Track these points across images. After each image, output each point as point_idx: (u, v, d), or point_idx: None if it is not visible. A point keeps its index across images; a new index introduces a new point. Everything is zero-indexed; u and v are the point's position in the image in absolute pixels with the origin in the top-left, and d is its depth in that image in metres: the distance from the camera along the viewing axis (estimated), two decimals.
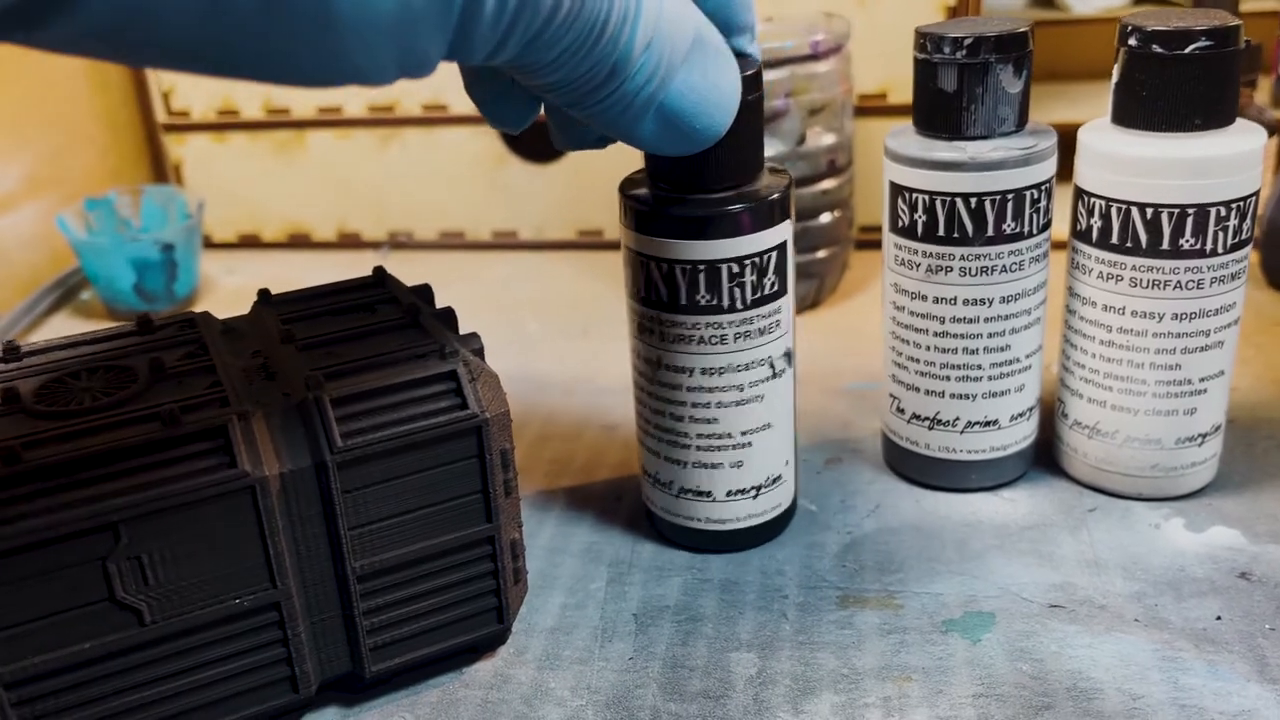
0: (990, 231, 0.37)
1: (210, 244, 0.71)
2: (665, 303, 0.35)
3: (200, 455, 0.28)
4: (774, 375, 0.37)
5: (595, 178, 0.67)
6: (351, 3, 0.19)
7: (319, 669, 0.32)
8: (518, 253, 0.69)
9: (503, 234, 0.69)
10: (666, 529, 0.40)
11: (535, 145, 0.68)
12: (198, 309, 0.62)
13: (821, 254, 0.57)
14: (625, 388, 0.51)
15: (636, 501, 0.42)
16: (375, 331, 0.34)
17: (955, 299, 0.38)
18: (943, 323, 0.39)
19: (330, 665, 0.32)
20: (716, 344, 0.36)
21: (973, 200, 0.37)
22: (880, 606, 0.36)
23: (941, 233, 0.38)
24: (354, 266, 0.68)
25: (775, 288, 0.36)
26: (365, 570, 0.31)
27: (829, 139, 0.55)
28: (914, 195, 0.38)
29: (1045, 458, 0.43)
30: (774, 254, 0.35)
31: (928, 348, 0.39)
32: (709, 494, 0.38)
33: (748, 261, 0.35)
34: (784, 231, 0.35)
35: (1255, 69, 0.61)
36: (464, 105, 0.67)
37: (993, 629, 0.34)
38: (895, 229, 0.39)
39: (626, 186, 0.37)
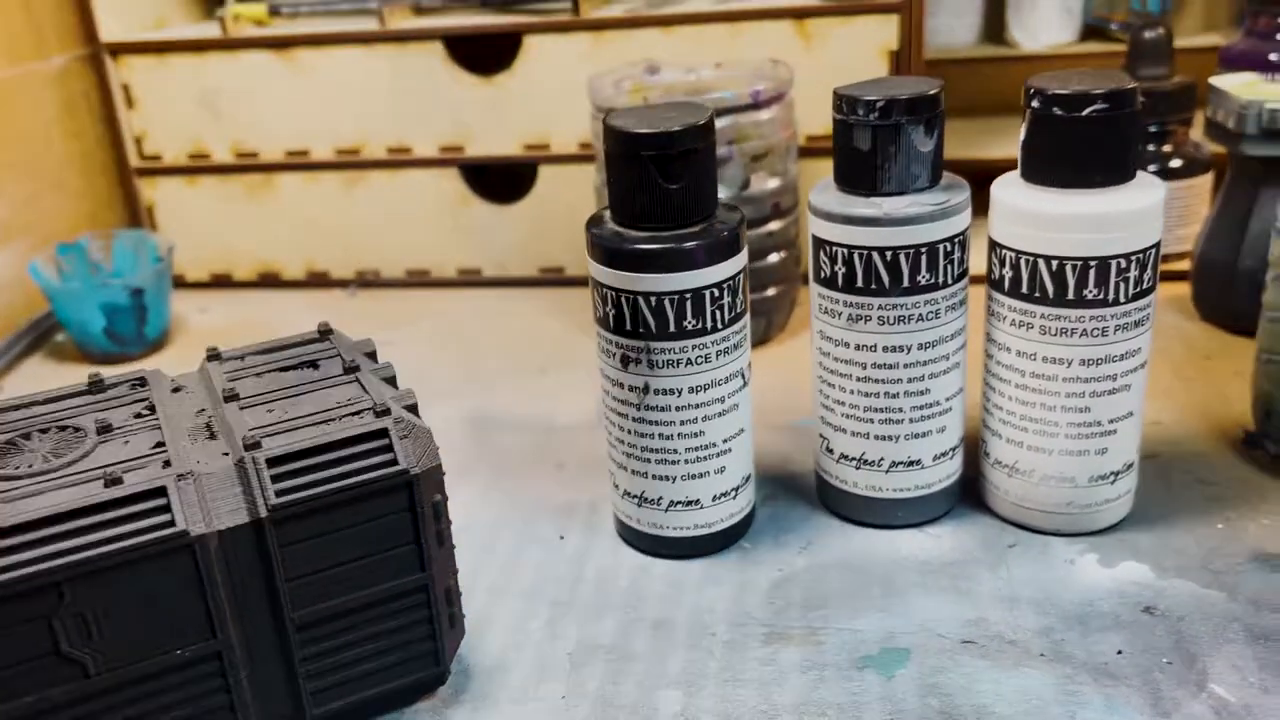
0: (906, 283, 0.39)
1: (182, 283, 0.73)
2: (654, 333, 0.38)
3: (141, 515, 0.30)
4: (744, 384, 0.41)
5: (556, 217, 0.68)
6: None
7: (262, 714, 0.33)
8: (481, 290, 0.71)
9: (467, 271, 0.71)
10: (652, 544, 0.42)
11: (497, 186, 0.70)
12: (169, 349, 0.65)
13: (770, 292, 0.59)
14: (577, 425, 0.53)
15: (580, 540, 0.44)
16: (316, 388, 0.35)
17: (875, 346, 0.40)
18: (865, 368, 0.41)
19: (272, 711, 0.34)
20: (702, 363, 0.39)
21: (888, 254, 0.39)
22: (803, 643, 0.37)
23: (860, 284, 0.39)
24: (322, 304, 0.70)
25: (743, 306, 0.40)
26: (304, 620, 0.33)
27: (773, 183, 0.57)
28: (834, 248, 0.40)
29: (974, 494, 0.44)
30: (741, 276, 0.39)
31: (852, 391, 0.41)
32: (697, 501, 0.41)
33: (726, 285, 0.38)
34: (744, 258, 0.40)
35: (1190, 107, 0.63)
36: (427, 148, 0.69)
37: (907, 665, 0.36)
38: (818, 279, 0.41)
39: (594, 224, 0.40)
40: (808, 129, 0.64)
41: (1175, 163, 0.63)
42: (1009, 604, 0.38)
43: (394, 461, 0.33)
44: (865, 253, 0.39)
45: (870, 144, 0.39)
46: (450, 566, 0.35)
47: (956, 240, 0.39)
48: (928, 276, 0.39)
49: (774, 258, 0.58)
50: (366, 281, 0.72)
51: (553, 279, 0.70)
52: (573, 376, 0.58)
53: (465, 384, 0.58)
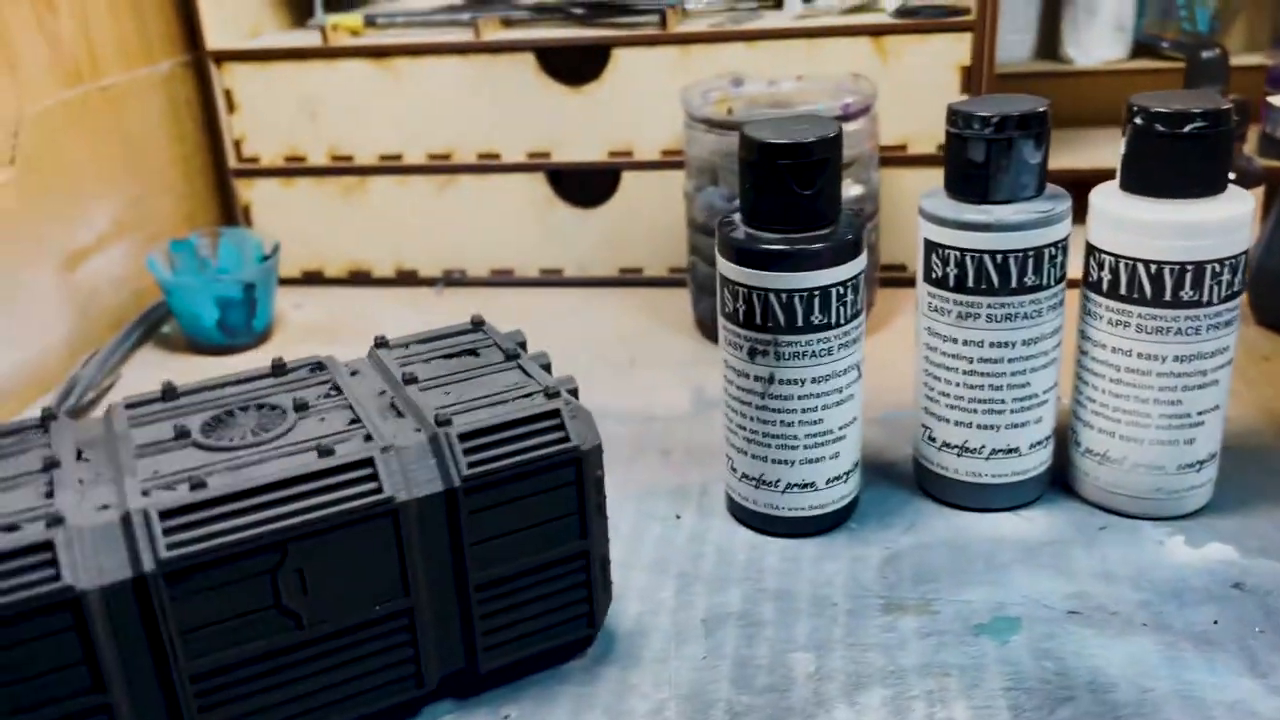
0: (1013, 284, 0.42)
1: (278, 281, 0.77)
2: (783, 327, 0.42)
3: (352, 483, 0.34)
4: (859, 376, 0.44)
5: (637, 221, 0.72)
6: None
7: (439, 667, 0.37)
8: (563, 289, 0.74)
9: (549, 271, 0.74)
10: (768, 523, 0.46)
11: (580, 190, 0.73)
12: (273, 341, 0.68)
13: None
14: (676, 416, 0.57)
15: (695, 520, 0.47)
16: (483, 373, 0.39)
17: (982, 342, 0.44)
18: (971, 362, 0.44)
19: (449, 663, 0.37)
20: (825, 356, 0.42)
21: (998, 257, 0.42)
22: (919, 613, 0.41)
23: (971, 284, 0.43)
24: (411, 301, 0.74)
25: (863, 303, 0.43)
26: (482, 581, 0.36)
27: (857, 189, 0.60)
28: (946, 251, 0.43)
29: (1059, 482, 0.48)
30: (862, 276, 0.43)
31: (957, 384, 0.45)
32: (812, 484, 0.44)
33: (849, 284, 0.42)
34: (865, 259, 0.43)
35: (1244, 123, 0.67)
36: (515, 154, 0.72)
37: (1019, 632, 0.39)
38: (929, 280, 0.44)
39: (726, 226, 0.43)
40: (883, 139, 0.67)
41: (1251, 193, 0.66)
42: (1106, 580, 0.42)
43: (566, 439, 0.36)
44: (977, 256, 0.42)
45: (984, 156, 0.42)
46: (604, 536, 0.39)
47: (1059, 245, 0.43)
48: (1033, 278, 0.42)
49: None
50: (453, 280, 0.75)
51: (632, 279, 0.74)
52: (663, 371, 0.62)
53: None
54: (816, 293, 0.41)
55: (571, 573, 0.38)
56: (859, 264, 0.42)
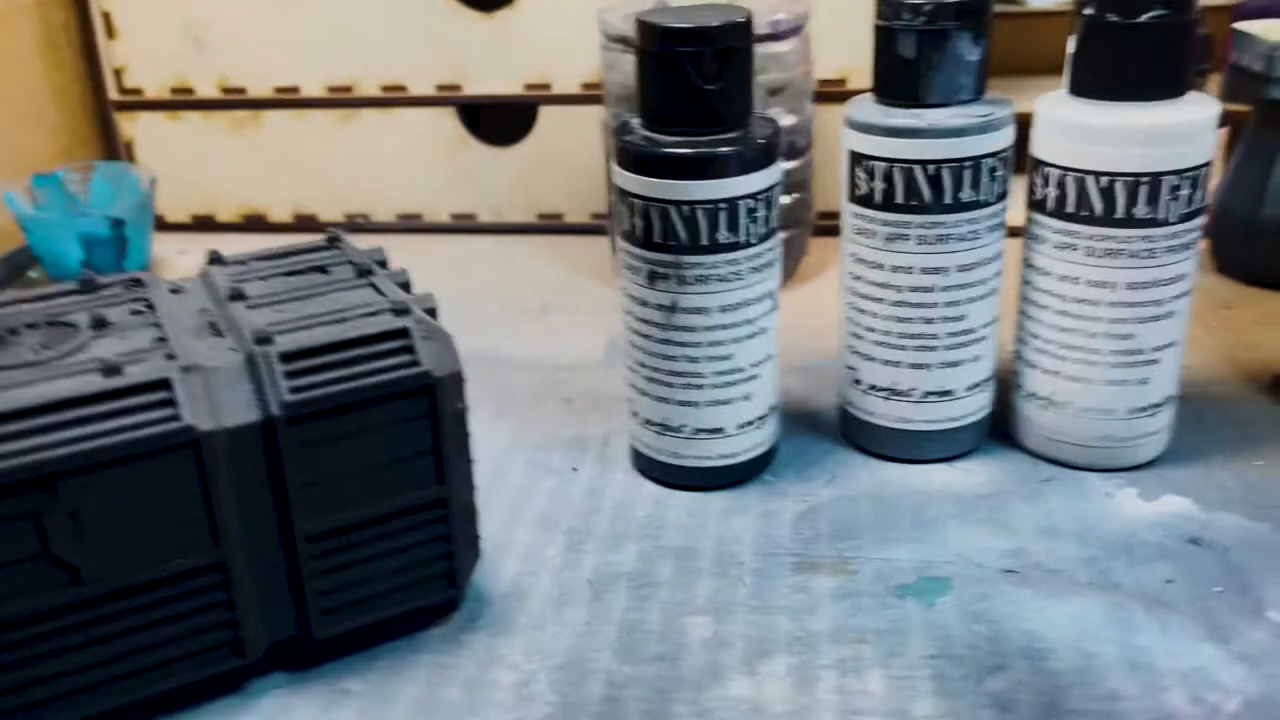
0: (948, 199, 0.37)
1: (163, 225, 0.70)
2: (685, 245, 0.36)
3: (142, 408, 0.28)
4: (774, 307, 0.39)
5: (556, 161, 0.66)
6: None
7: (265, 633, 0.31)
8: (476, 236, 0.68)
9: (461, 217, 0.69)
10: (672, 474, 0.40)
11: (495, 127, 0.68)
12: None
13: (781, 235, 0.57)
14: (584, 364, 0.51)
15: (594, 472, 0.42)
16: (328, 290, 0.33)
17: (912, 268, 0.38)
18: (900, 291, 0.39)
19: (277, 629, 0.31)
20: (734, 280, 0.37)
21: (930, 167, 0.37)
22: (835, 572, 0.36)
23: (899, 200, 0.38)
24: None
25: (776, 222, 0.38)
26: (314, 531, 0.30)
27: (789, 120, 0.55)
28: (872, 163, 0.38)
29: (1001, 431, 0.43)
30: (776, 190, 0.37)
31: (885, 317, 0.40)
32: (721, 430, 0.39)
33: (761, 197, 0.36)
34: (779, 171, 0.38)
35: (1207, 60, 0.62)
36: (423, 86, 0.66)
37: (948, 594, 0.34)
38: (853, 198, 0.39)
39: (623, 132, 0.38)
40: (822, 73, 0.62)
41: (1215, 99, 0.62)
42: (1049, 535, 0.37)
43: (416, 363, 0.30)
44: (906, 166, 0.37)
45: (915, 51, 0.37)
46: (468, 482, 0.33)
47: (1000, 156, 0.38)
48: (971, 193, 0.37)
49: (786, 199, 0.56)
50: (356, 225, 0.69)
51: (552, 226, 0.68)
52: (576, 318, 0.56)
53: (465, 324, 0.56)
54: (723, 205, 0.36)
55: (427, 524, 0.32)
56: (772, 175, 0.37)
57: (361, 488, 0.31)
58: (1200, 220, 0.38)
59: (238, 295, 0.32)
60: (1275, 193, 0.54)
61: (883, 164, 0.38)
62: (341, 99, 0.67)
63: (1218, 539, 0.36)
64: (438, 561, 0.33)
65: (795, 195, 0.57)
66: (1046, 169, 0.38)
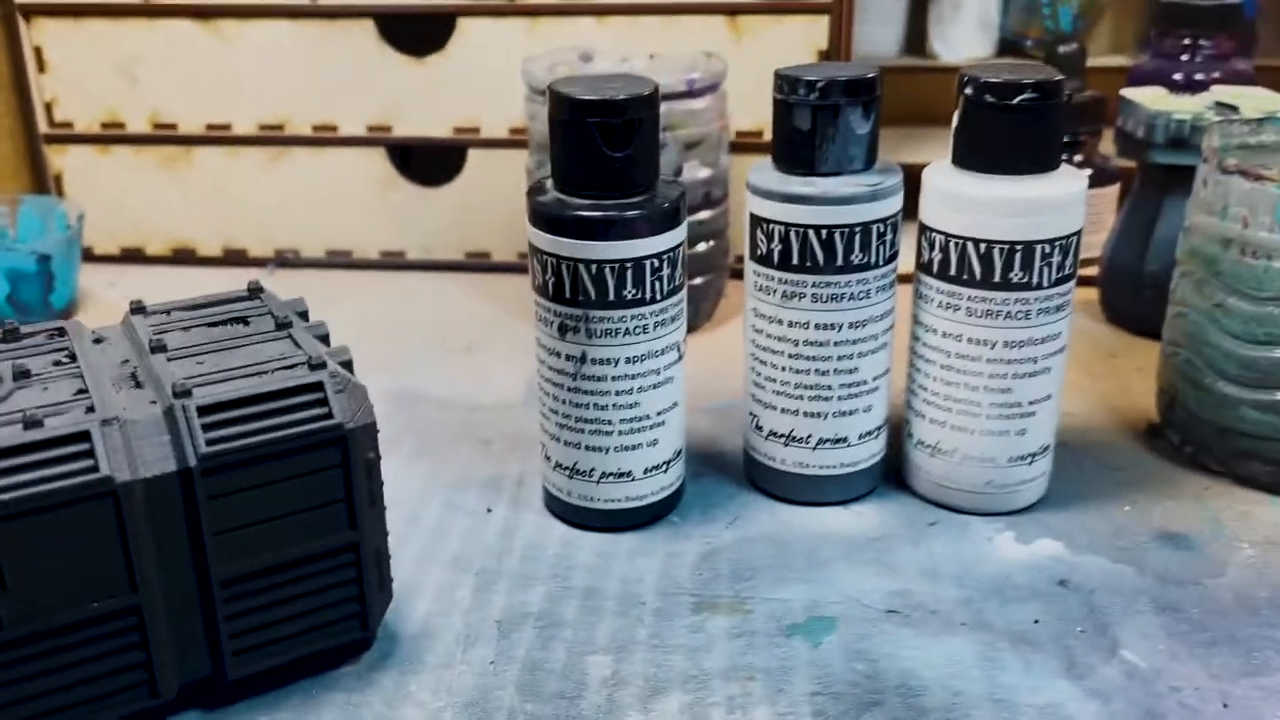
0: (839, 261, 0.40)
1: (92, 257, 0.71)
2: (593, 301, 0.38)
3: (63, 460, 0.29)
4: (680, 358, 0.41)
5: (484, 202, 0.68)
6: None
7: (179, 674, 0.32)
8: (405, 273, 0.70)
9: (390, 254, 0.70)
10: (582, 516, 0.42)
11: (426, 168, 0.69)
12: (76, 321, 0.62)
13: (698, 280, 0.59)
14: (504, 404, 0.53)
15: (508, 513, 0.44)
16: (247, 343, 0.35)
17: (808, 323, 0.41)
18: (796, 345, 0.41)
19: (191, 670, 0.33)
20: (640, 334, 0.39)
21: (823, 232, 0.39)
22: (731, 612, 0.38)
23: (795, 261, 0.40)
24: (239, 282, 0.68)
25: (682, 279, 0.40)
26: (229, 576, 0.32)
27: (705, 172, 0.58)
28: (770, 226, 0.40)
29: (895, 475, 0.45)
30: (681, 249, 0.40)
31: (783, 368, 0.42)
32: (629, 474, 0.41)
33: (666, 256, 0.39)
34: (684, 231, 0.40)
35: (1100, 120, 0.66)
36: (354, 126, 0.68)
37: (833, 632, 0.37)
38: (754, 257, 0.42)
39: (536, 192, 0.40)
40: (738, 125, 0.64)
41: (1085, 172, 0.65)
42: (930, 577, 0.39)
43: (329, 415, 0.32)
44: (801, 230, 0.40)
45: (809, 124, 0.39)
46: (381, 527, 0.35)
47: (889, 222, 0.40)
48: (860, 256, 0.40)
49: (703, 246, 0.59)
50: (285, 261, 0.70)
51: (480, 264, 0.70)
52: (499, 357, 0.58)
53: (389, 363, 0.58)
54: (629, 264, 0.38)
55: (339, 568, 0.34)
56: (678, 235, 0.39)
57: (275, 534, 0.32)
58: (1072, 284, 0.41)
59: (159, 347, 0.34)
60: (1158, 248, 0.57)
61: (780, 227, 0.40)
62: (273, 137, 0.68)
63: (1084, 581, 0.39)
64: (349, 604, 0.34)
65: (712, 242, 0.60)
66: (932, 234, 0.41)
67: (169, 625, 0.31)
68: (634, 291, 0.39)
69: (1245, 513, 0.43)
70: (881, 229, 0.40)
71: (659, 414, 0.41)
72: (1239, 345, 0.43)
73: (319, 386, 0.32)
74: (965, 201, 0.39)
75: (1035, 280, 0.39)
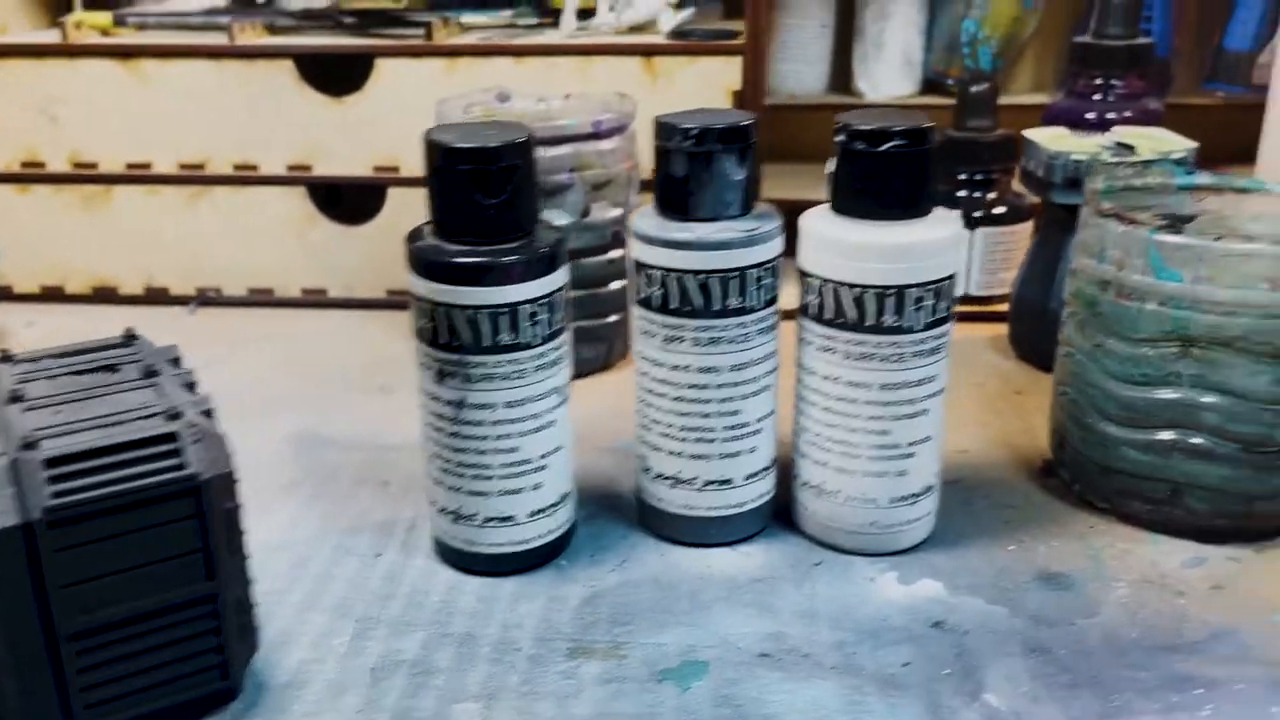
0: (717, 306, 0.40)
1: (11, 295, 0.70)
2: (469, 347, 0.38)
3: None
4: (563, 401, 0.41)
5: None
6: None
7: None
8: (327, 311, 0.70)
9: (312, 292, 0.70)
10: (466, 561, 0.42)
11: (346, 207, 0.70)
12: None
13: (611, 319, 0.60)
14: (409, 445, 0.53)
15: (396, 557, 0.44)
16: (110, 392, 0.35)
17: (689, 366, 0.41)
18: (679, 388, 0.42)
19: None
20: (517, 379, 0.39)
21: (700, 277, 0.40)
22: (606, 657, 0.38)
23: (675, 305, 0.40)
24: (160, 321, 0.68)
25: (562, 323, 0.40)
26: (76, 629, 0.32)
27: (614, 212, 0.58)
28: (651, 271, 0.41)
29: (785, 517, 0.46)
30: (561, 294, 0.40)
31: (667, 411, 0.42)
32: (512, 518, 0.41)
33: (542, 301, 0.39)
34: (563, 276, 0.40)
35: (1013, 157, 0.67)
36: (274, 165, 0.68)
37: (704, 677, 0.37)
38: (638, 301, 0.42)
39: (415, 238, 0.40)
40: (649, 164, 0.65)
41: (999, 210, 0.67)
42: (808, 619, 0.39)
43: (181, 466, 0.32)
44: (679, 275, 0.40)
45: (685, 170, 0.40)
46: (242, 576, 0.35)
47: (766, 266, 0.41)
48: (738, 300, 0.40)
49: (614, 285, 0.59)
50: (207, 299, 0.70)
51: (401, 302, 0.69)
52: (411, 397, 0.57)
53: (299, 403, 0.57)
54: (504, 310, 0.38)
55: (197, 619, 0.33)
56: (555, 280, 0.40)
57: (128, 586, 0.32)
58: (948, 326, 0.41)
59: (16, 397, 0.33)
60: (1061, 286, 0.58)
61: (659, 272, 0.40)
62: (193, 176, 0.68)
63: (959, 622, 0.39)
64: (209, 654, 0.34)
65: (623, 280, 0.60)
66: (810, 278, 0.41)
67: (15, 678, 0.31)
68: (510, 336, 0.39)
69: (1126, 551, 0.43)
70: (759, 273, 0.40)
71: (542, 458, 0.41)
72: (1118, 386, 0.43)
73: (173, 437, 0.32)
74: (838, 246, 0.40)
75: (908, 324, 0.40)
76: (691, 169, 0.40)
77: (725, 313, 0.40)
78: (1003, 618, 0.39)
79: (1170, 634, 0.38)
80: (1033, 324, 0.60)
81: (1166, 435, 0.43)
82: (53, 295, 0.71)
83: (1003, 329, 0.64)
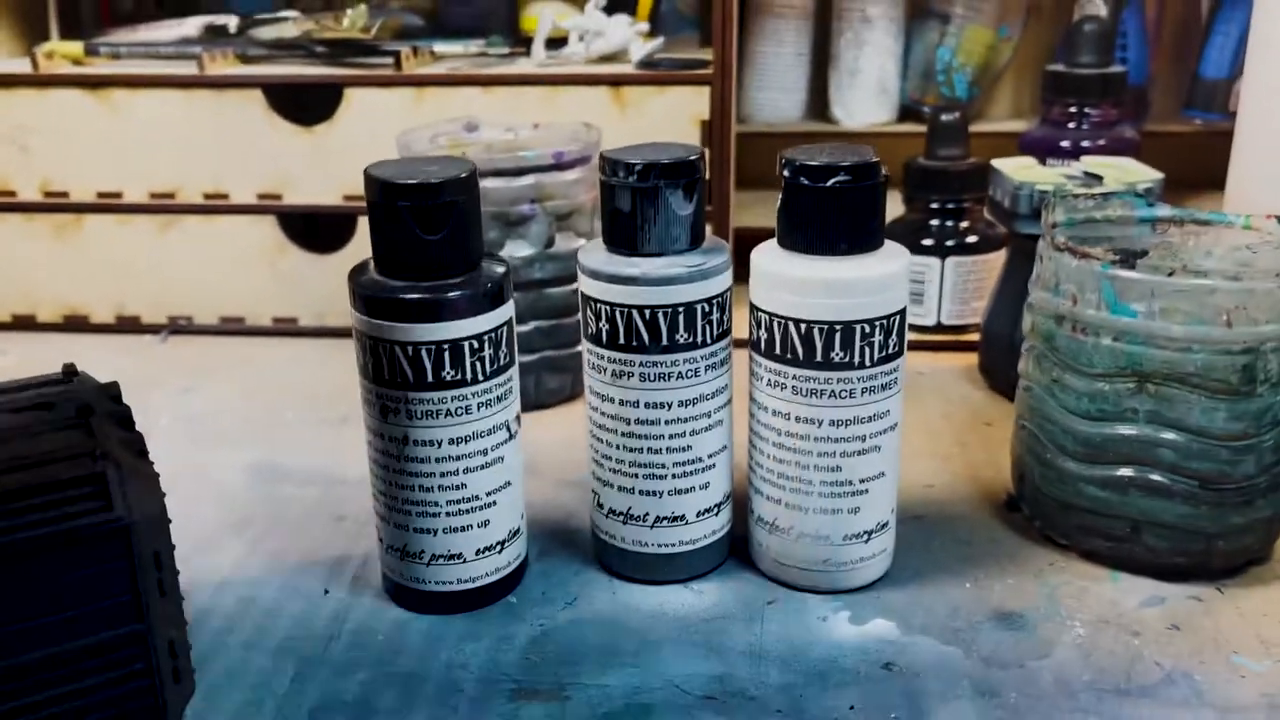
0: (664, 341, 0.40)
1: None
2: (412, 383, 0.38)
3: None
4: (510, 437, 0.40)
5: None
6: None
7: None
8: (298, 340, 0.69)
9: (283, 320, 0.70)
10: (415, 599, 0.41)
11: (318, 235, 0.69)
12: None
13: (576, 349, 0.59)
14: (364, 479, 0.52)
15: (345, 595, 0.43)
16: (41, 431, 0.34)
17: (638, 402, 0.41)
18: (629, 424, 0.41)
19: None
20: (462, 415, 0.38)
21: (647, 312, 0.39)
22: (549, 699, 0.37)
23: (622, 340, 0.40)
24: (131, 349, 0.68)
25: (508, 359, 0.40)
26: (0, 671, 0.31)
27: (579, 242, 0.58)
28: (599, 305, 0.40)
29: (742, 553, 0.45)
30: (506, 329, 0.39)
31: (618, 447, 0.42)
32: (460, 556, 0.40)
33: (487, 337, 0.38)
34: (509, 311, 0.40)
35: (984, 187, 0.67)
36: (245, 195, 0.68)
37: None
38: (587, 336, 0.42)
39: (357, 273, 0.40)
40: None
41: (970, 239, 0.66)
42: (756, 660, 0.39)
43: (108, 508, 0.32)
44: (626, 310, 0.40)
45: (631, 205, 0.40)
46: (175, 618, 0.34)
47: (715, 301, 0.40)
48: (686, 335, 0.40)
49: (579, 316, 0.59)
50: (179, 328, 0.70)
51: None
52: None
53: (261, 434, 0.57)
54: (446, 346, 0.38)
55: (126, 661, 0.33)
56: (500, 315, 0.39)
57: (52, 629, 0.31)
58: (899, 361, 0.41)
59: None
60: None
61: (606, 307, 0.40)
62: (164, 205, 0.68)
63: (911, 664, 0.39)
64: (141, 697, 0.34)
65: None
66: (759, 313, 0.41)
67: None
68: (453, 373, 0.38)
69: (1083, 589, 0.43)
70: (707, 308, 0.40)
71: (489, 494, 0.41)
72: (1076, 421, 0.43)
73: (100, 479, 0.32)
74: (785, 282, 0.39)
75: (857, 360, 0.39)
76: (637, 204, 0.39)
77: (674, 348, 0.40)
78: (955, 659, 0.39)
79: (1121, 676, 0.37)
80: (1002, 354, 0.59)
81: (1124, 471, 0.42)
82: (24, 324, 0.71)
83: (974, 359, 0.63)
